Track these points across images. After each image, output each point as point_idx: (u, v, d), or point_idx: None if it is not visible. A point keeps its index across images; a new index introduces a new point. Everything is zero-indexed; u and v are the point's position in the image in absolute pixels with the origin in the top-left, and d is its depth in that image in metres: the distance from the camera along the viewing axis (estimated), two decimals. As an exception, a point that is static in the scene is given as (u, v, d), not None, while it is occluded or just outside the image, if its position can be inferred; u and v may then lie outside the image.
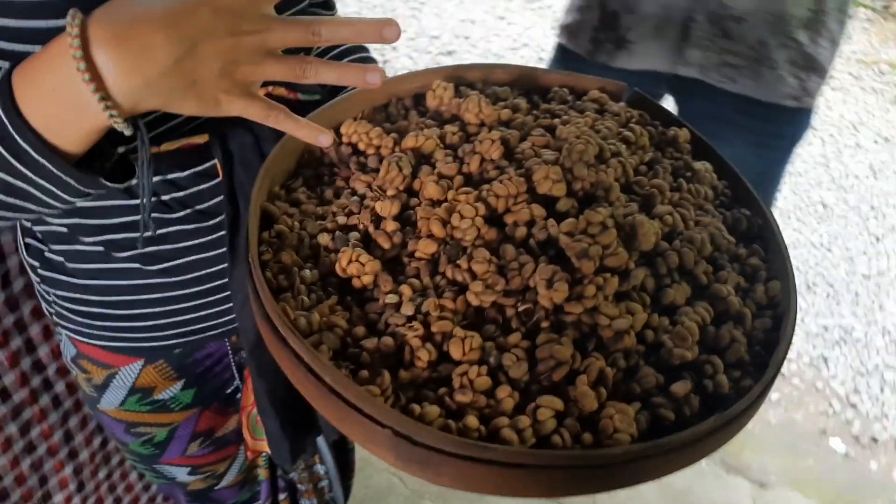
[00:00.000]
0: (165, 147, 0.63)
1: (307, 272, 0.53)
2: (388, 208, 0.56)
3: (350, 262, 0.52)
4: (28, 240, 0.71)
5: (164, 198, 0.65)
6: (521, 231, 0.54)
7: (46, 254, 0.70)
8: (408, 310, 0.50)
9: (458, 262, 0.52)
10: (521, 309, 0.50)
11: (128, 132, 0.48)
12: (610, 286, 0.50)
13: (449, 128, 0.63)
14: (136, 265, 0.68)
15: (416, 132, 0.62)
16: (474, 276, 0.51)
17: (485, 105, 0.64)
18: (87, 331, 0.73)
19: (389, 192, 0.58)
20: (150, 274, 0.68)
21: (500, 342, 0.49)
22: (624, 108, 0.69)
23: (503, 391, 0.46)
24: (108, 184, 0.50)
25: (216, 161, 0.64)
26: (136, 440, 0.82)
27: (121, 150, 0.52)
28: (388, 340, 0.48)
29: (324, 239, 0.55)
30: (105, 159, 0.52)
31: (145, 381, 0.76)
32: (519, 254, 0.52)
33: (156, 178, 0.64)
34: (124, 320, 0.71)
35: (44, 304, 0.76)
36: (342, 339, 0.49)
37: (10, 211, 0.50)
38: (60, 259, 0.69)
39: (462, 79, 0.72)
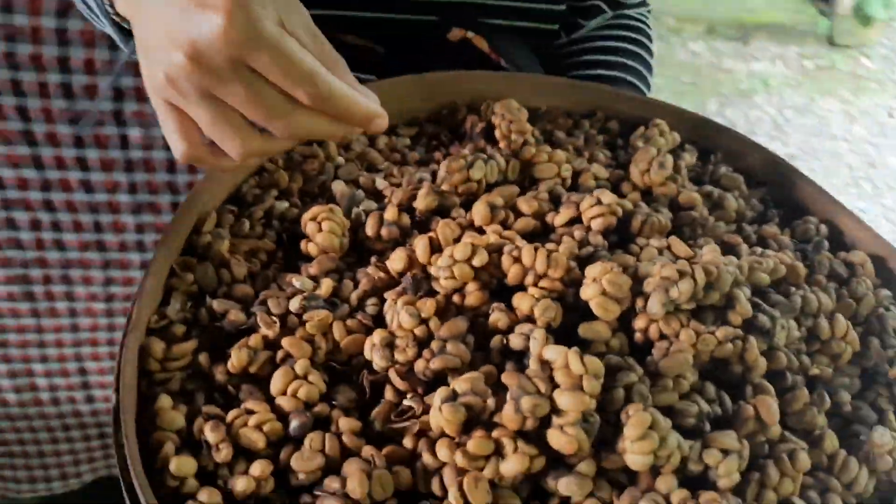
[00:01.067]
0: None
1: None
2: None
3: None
4: None
5: None
6: (502, 320, 0.36)
7: None
8: (293, 304, 0.37)
9: (400, 298, 0.37)
10: (400, 409, 0.34)
11: None
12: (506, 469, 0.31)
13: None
14: None
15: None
16: (398, 327, 0.36)
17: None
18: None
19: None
20: None
21: (336, 412, 0.34)
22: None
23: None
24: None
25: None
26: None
27: None
28: (236, 316, 0.37)
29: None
30: None
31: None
32: (462, 338, 0.35)
33: None
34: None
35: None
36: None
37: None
38: None
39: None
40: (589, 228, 0.41)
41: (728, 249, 0.43)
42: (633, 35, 0.63)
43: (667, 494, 0.31)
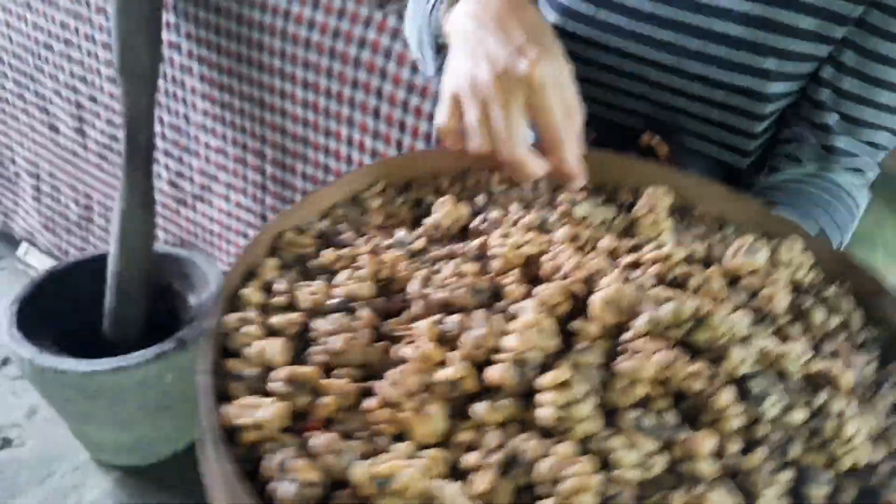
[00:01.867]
0: None
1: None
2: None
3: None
4: None
5: None
6: (518, 293, 0.43)
7: None
8: (384, 242, 0.48)
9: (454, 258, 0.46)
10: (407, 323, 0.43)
11: None
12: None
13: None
14: None
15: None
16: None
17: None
18: None
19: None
20: None
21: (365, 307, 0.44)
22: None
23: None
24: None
25: None
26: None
27: None
28: (346, 237, 0.49)
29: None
30: None
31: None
32: (474, 290, 0.42)
33: None
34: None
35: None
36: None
37: None
38: None
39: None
40: (644, 272, 0.45)
41: (782, 339, 0.43)
42: (831, 196, 0.63)
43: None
